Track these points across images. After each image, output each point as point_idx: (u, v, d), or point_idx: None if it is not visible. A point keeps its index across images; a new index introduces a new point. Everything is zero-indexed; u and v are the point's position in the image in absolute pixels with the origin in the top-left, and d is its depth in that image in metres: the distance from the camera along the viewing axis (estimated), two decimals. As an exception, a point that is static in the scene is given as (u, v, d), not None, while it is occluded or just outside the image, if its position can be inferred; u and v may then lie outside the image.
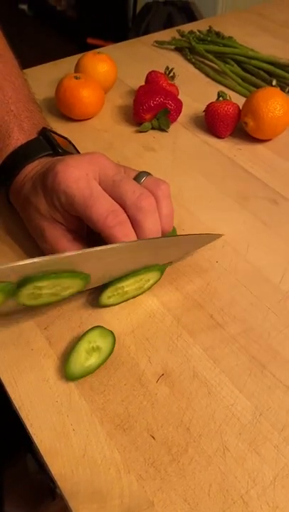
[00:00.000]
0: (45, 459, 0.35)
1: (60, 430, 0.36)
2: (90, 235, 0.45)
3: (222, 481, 0.34)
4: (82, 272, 0.39)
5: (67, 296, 0.40)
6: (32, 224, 0.46)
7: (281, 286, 0.46)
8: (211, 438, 0.36)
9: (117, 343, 0.41)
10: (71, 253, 0.37)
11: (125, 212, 0.41)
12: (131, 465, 0.35)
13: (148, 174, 0.44)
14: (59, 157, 0.46)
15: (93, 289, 0.44)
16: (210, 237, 0.49)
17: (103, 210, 0.40)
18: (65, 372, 0.39)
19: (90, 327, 0.42)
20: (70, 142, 0.52)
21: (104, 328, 0.41)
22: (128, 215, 0.41)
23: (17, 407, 0.38)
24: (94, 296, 0.45)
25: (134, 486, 0.34)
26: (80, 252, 0.37)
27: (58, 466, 0.35)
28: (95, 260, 0.39)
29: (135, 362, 0.40)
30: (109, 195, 0.41)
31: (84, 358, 0.39)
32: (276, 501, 0.33)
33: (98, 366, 0.40)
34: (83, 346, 0.40)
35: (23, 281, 0.36)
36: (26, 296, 0.37)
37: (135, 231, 0.41)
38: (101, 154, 0.44)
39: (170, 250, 0.45)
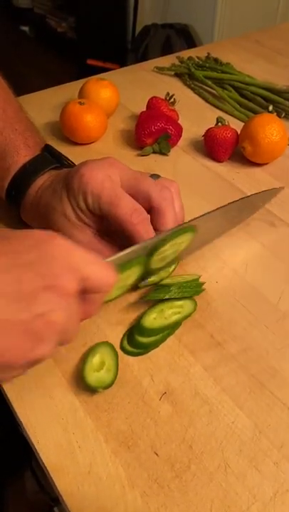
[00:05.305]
0: (51, 475, 0.36)
1: (66, 447, 0.38)
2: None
3: (224, 497, 0.35)
4: (187, 226, 0.45)
5: (185, 249, 0.48)
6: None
7: (279, 306, 0.48)
8: (213, 455, 0.37)
9: (120, 361, 0.43)
10: (197, 218, 0.45)
11: (151, 203, 0.45)
12: (135, 481, 0.36)
13: (158, 176, 0.48)
14: (80, 162, 0.48)
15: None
16: (275, 191, 0.56)
17: (128, 208, 0.44)
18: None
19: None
20: (68, 160, 0.54)
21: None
22: (153, 206, 0.45)
23: (23, 424, 0.39)
24: (98, 315, 0.46)
25: (139, 501, 0.35)
26: (201, 215, 0.45)
27: (64, 482, 0.36)
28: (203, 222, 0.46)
29: (138, 380, 0.42)
30: (134, 191, 0.45)
31: (93, 366, 0.42)
32: (276, 517, 0.34)
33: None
34: (95, 358, 0.42)
35: (150, 252, 0.43)
36: (156, 261, 0.45)
37: (160, 220, 0.45)
38: (116, 159, 0.47)
39: (244, 212, 0.54)
